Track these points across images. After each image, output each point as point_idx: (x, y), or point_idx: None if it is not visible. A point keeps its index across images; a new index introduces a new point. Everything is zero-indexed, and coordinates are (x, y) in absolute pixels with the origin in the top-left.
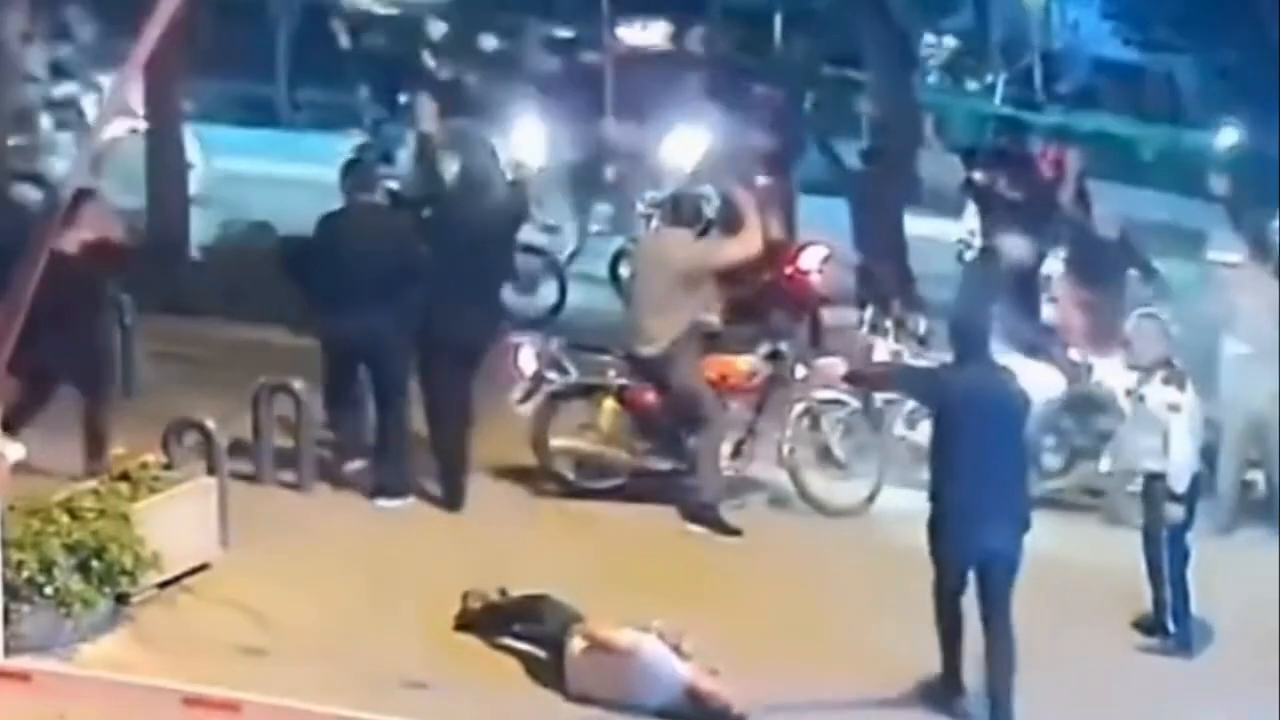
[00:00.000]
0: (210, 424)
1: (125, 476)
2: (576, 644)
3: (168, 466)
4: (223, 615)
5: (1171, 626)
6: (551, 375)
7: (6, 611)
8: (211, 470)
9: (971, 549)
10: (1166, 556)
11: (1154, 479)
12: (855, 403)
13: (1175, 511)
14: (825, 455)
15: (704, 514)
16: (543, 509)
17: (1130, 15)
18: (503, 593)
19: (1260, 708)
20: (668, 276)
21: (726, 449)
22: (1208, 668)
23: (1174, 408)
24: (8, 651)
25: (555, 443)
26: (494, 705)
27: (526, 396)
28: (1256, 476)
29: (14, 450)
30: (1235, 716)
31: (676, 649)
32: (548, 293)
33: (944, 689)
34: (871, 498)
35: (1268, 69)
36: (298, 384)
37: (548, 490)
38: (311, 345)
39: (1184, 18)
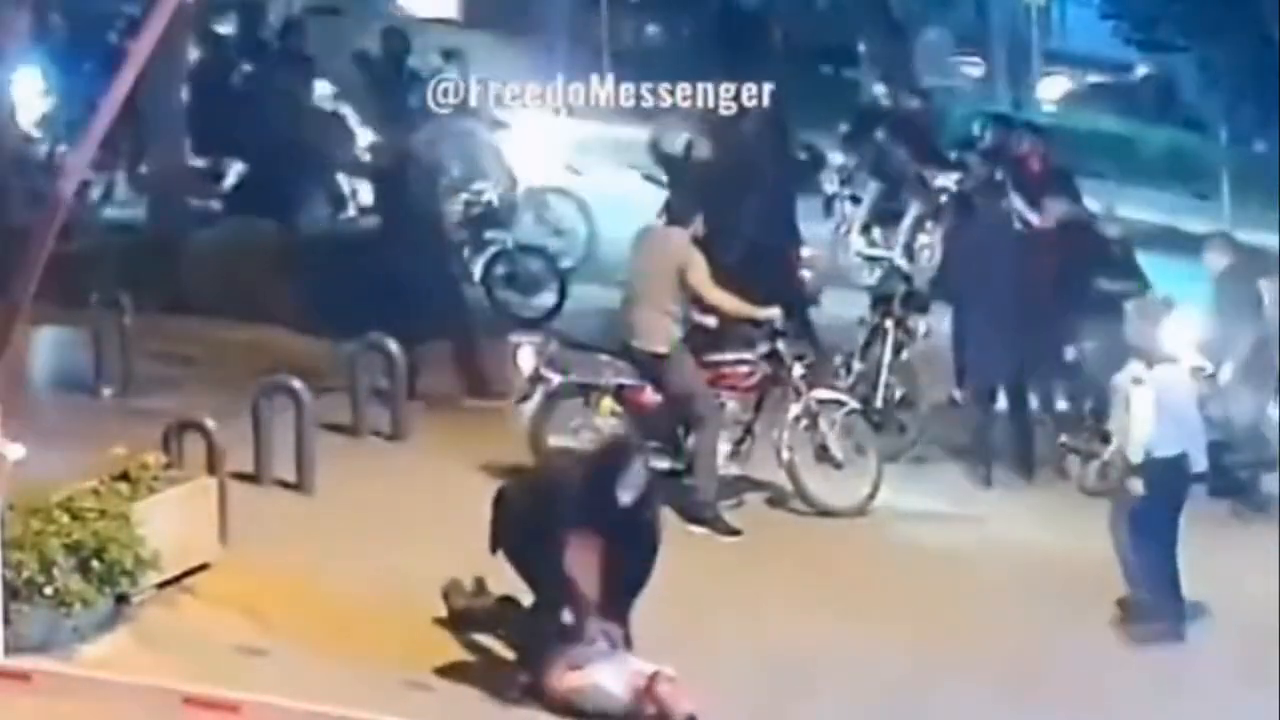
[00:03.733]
0: (210, 424)
1: (125, 476)
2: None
3: (168, 466)
4: (223, 615)
5: (1135, 601)
6: (549, 375)
7: (6, 611)
8: (211, 470)
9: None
10: (1133, 535)
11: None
12: (854, 402)
13: (1133, 484)
14: (823, 455)
15: (703, 514)
16: None
17: (1130, 15)
18: (479, 582)
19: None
20: (664, 274)
21: (725, 449)
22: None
23: (1137, 380)
24: (8, 651)
25: (553, 442)
26: (494, 705)
27: (525, 396)
28: None
29: (14, 450)
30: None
31: (626, 645)
32: (547, 294)
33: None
34: (870, 496)
35: (1268, 68)
36: (297, 384)
37: None
38: (312, 345)
39: (1185, 17)
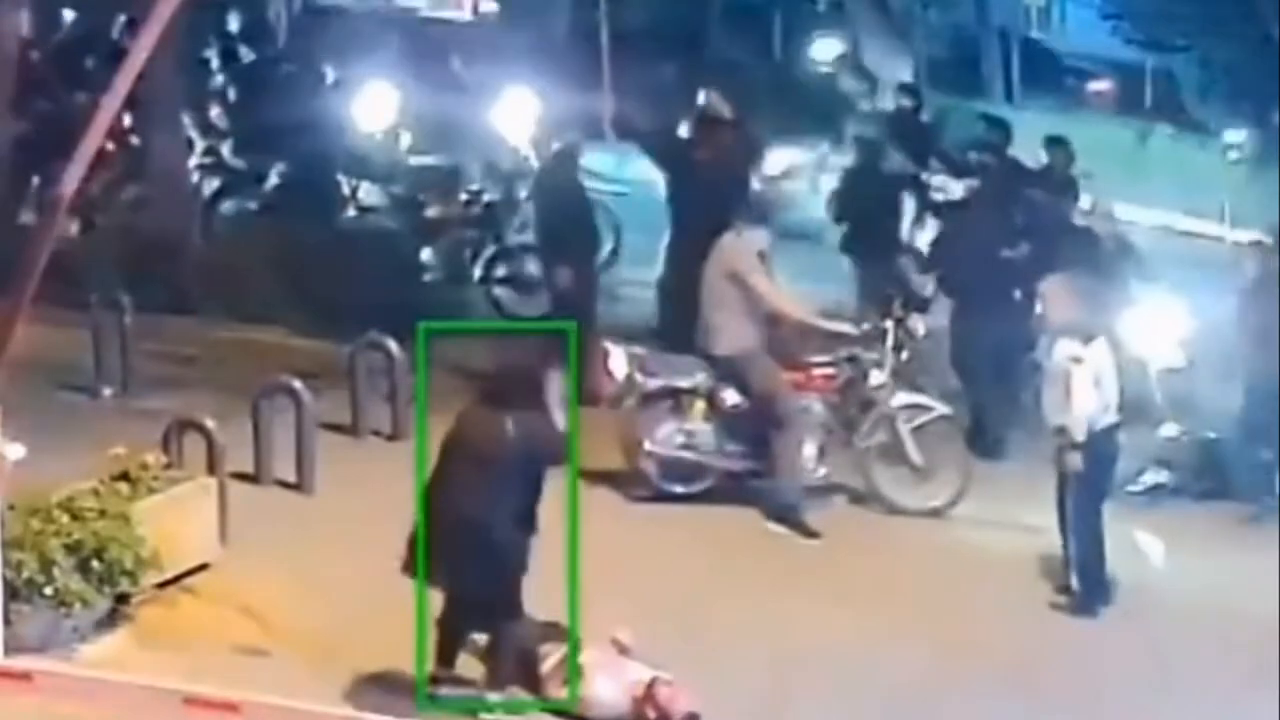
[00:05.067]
0: (210, 424)
1: (125, 476)
2: (545, 667)
3: (168, 466)
4: (223, 615)
5: (1075, 582)
6: (642, 379)
7: (6, 611)
8: (211, 470)
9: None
10: (1072, 510)
11: (1061, 431)
12: (942, 408)
13: (1074, 460)
14: (900, 458)
15: (786, 515)
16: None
17: (1131, 15)
18: None
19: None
20: (722, 279)
21: (811, 451)
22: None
23: (1075, 359)
24: (8, 651)
25: (647, 446)
26: None
27: (617, 400)
28: None
29: (14, 450)
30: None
31: (625, 652)
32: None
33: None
34: (953, 501)
35: (1268, 68)
36: (297, 384)
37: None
38: (310, 345)
39: (1185, 17)
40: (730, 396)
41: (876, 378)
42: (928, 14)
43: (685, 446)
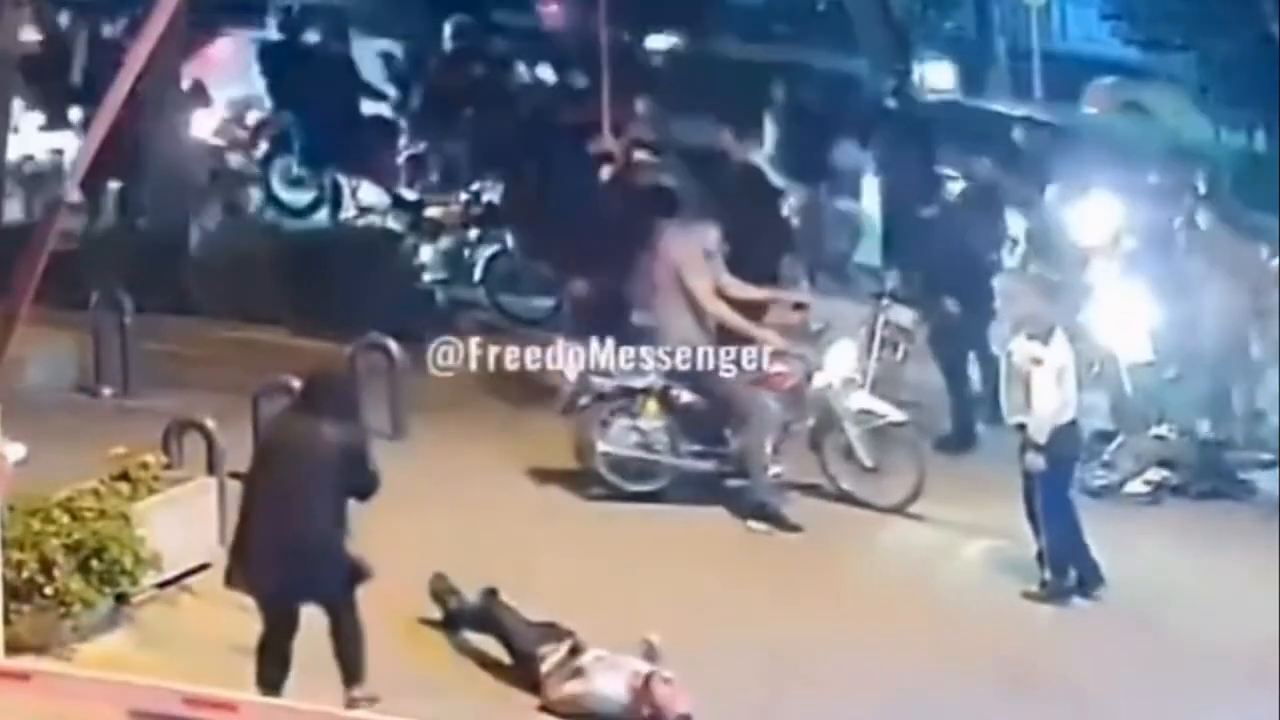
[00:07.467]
0: (210, 424)
1: (125, 476)
2: (545, 667)
3: (168, 466)
4: (223, 615)
5: (1048, 575)
6: (595, 379)
7: (6, 611)
8: (211, 470)
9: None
10: (1041, 506)
11: (1023, 429)
12: (895, 415)
13: (1035, 460)
14: (850, 456)
15: (762, 511)
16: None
17: (1131, 15)
18: (491, 591)
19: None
20: (667, 276)
21: (768, 448)
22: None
23: (1035, 361)
24: (8, 651)
25: (600, 446)
26: (491, 705)
27: (571, 400)
28: None
29: (14, 450)
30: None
31: (653, 655)
32: (548, 295)
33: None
34: (910, 499)
35: (1269, 67)
36: (297, 384)
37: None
38: (310, 345)
39: (1185, 16)
40: (684, 395)
41: (820, 380)
42: (927, 13)
43: (639, 445)
